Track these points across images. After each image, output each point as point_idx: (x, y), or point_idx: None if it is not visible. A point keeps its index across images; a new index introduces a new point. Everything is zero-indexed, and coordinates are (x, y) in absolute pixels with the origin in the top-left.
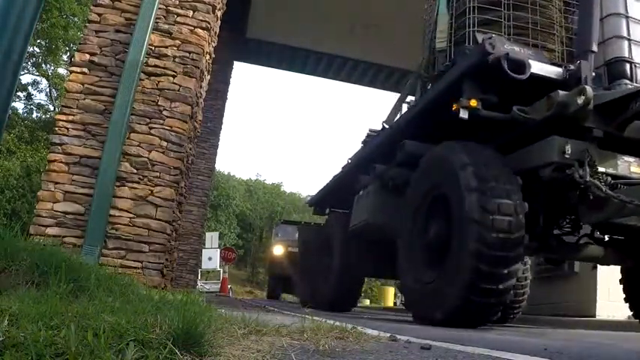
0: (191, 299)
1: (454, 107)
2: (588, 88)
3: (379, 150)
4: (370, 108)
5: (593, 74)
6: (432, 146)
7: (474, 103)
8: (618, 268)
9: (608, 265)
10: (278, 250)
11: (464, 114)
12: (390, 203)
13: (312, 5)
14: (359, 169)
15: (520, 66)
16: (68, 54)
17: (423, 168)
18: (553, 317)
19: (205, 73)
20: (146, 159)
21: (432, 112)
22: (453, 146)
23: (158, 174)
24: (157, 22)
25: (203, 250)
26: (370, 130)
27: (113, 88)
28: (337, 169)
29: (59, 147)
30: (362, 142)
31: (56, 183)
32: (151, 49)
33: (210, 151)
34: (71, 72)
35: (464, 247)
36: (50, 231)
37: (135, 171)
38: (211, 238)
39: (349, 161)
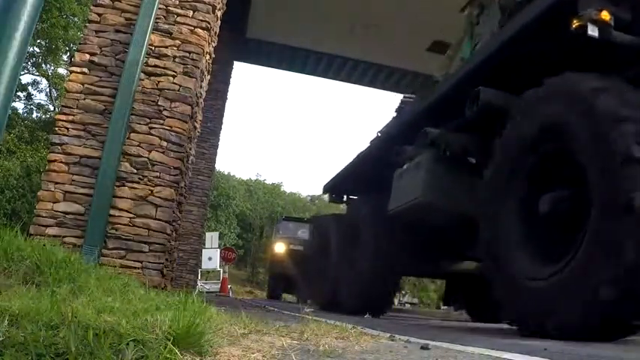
0: (191, 299)
1: (575, 24)
2: None
3: (428, 112)
4: (370, 108)
5: None
6: (515, 97)
7: (606, 15)
8: None
9: None
10: (279, 247)
11: (593, 31)
12: (448, 176)
13: (312, 5)
14: (396, 141)
15: None
16: (68, 54)
17: (526, 116)
18: None
19: (205, 73)
20: (146, 159)
21: (518, 46)
22: (588, 82)
23: (158, 174)
24: (157, 22)
25: (203, 250)
26: (405, 97)
27: (113, 88)
28: (338, 169)
29: (59, 147)
30: (395, 111)
31: (56, 183)
32: (151, 49)
33: (210, 151)
34: (71, 72)
35: (611, 246)
36: (50, 231)
37: (135, 171)
38: (211, 238)
39: (379, 135)
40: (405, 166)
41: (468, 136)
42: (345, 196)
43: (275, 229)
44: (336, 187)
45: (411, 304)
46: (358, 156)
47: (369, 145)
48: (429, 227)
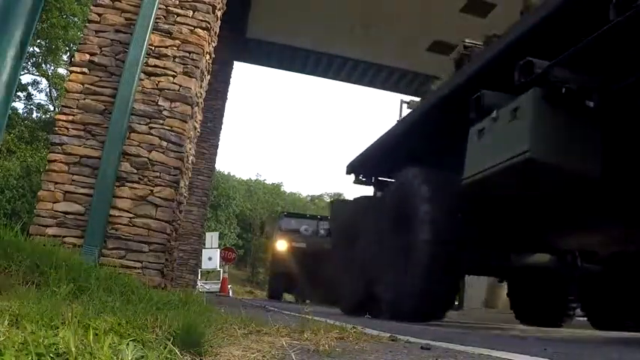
0: (191, 299)
1: None
2: None
3: (529, 38)
4: (370, 108)
5: None
6: None
7: None
8: None
9: None
10: (281, 245)
11: None
12: (564, 125)
13: (312, 5)
14: (464, 92)
15: None
16: (68, 54)
17: None
18: None
19: (205, 73)
20: (146, 159)
21: None
22: None
23: (158, 174)
24: (157, 22)
25: (203, 250)
26: (466, 42)
27: (113, 88)
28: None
29: (59, 147)
30: (455, 64)
31: (56, 183)
32: (151, 49)
33: (210, 151)
34: (71, 72)
35: None
36: (50, 231)
37: (135, 171)
38: (211, 238)
39: (435, 89)
40: (494, 114)
41: (588, 73)
42: (374, 177)
43: (277, 225)
44: (365, 165)
45: None
46: (402, 122)
47: (420, 104)
48: (510, 204)
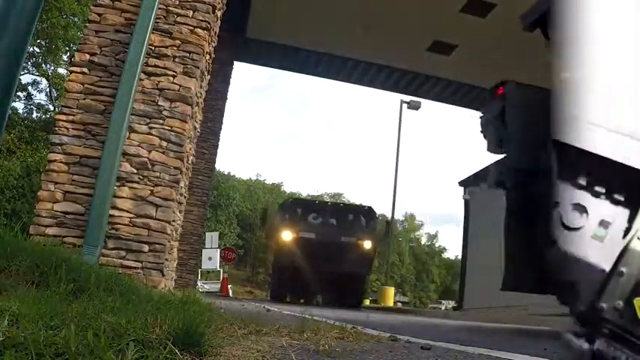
0: (191, 299)
1: None
2: None
3: None
4: (370, 108)
5: None
6: None
7: None
8: None
9: None
10: (286, 235)
11: None
12: None
13: (312, 5)
14: None
15: None
16: (68, 54)
17: None
18: (553, 317)
19: (205, 73)
20: (146, 159)
21: None
22: None
23: (158, 174)
24: (157, 22)
25: (203, 250)
26: None
27: (113, 88)
28: (336, 170)
29: (59, 147)
30: None
31: (56, 183)
32: (151, 49)
33: (210, 151)
34: (71, 72)
35: None
36: (50, 231)
37: (135, 171)
38: (211, 238)
39: None
40: None
41: None
42: None
43: (281, 213)
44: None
45: (402, 302)
46: None
47: None
48: None
